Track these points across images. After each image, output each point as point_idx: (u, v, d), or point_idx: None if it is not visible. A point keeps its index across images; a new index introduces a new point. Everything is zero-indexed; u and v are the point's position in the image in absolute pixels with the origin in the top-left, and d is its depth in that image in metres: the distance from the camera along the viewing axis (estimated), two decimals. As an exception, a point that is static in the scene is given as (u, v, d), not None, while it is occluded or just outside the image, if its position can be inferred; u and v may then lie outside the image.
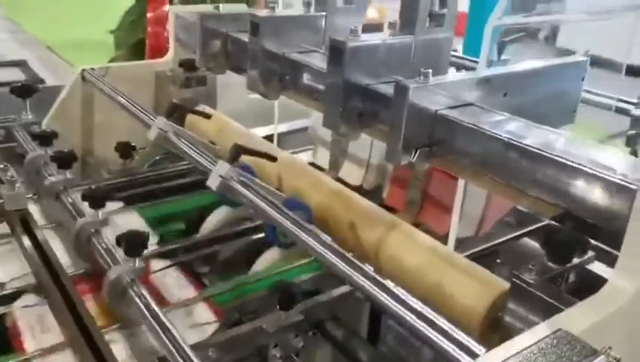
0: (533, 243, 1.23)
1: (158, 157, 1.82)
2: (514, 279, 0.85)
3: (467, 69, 1.60)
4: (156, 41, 3.57)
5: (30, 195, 1.37)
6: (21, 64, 5.14)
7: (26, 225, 1.18)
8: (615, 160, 0.88)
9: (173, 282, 1.16)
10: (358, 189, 1.71)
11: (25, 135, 1.56)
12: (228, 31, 1.61)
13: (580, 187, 0.87)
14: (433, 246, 1.08)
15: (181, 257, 1.26)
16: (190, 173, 1.65)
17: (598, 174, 0.83)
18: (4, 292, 1.09)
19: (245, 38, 1.48)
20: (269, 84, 1.44)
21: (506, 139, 0.94)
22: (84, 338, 0.91)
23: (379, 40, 1.19)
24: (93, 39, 5.55)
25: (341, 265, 0.90)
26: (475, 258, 1.13)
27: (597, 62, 1.34)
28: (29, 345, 0.97)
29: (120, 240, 0.98)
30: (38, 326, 1.01)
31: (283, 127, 2.09)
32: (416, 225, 1.47)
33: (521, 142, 0.93)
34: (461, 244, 1.35)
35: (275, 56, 1.41)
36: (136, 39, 4.30)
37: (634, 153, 1.62)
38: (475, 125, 0.98)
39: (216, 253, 1.33)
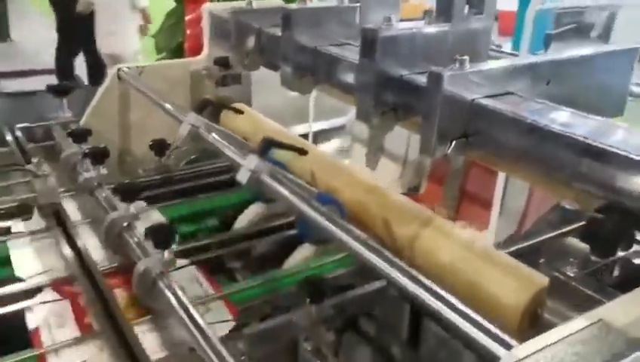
0: (577, 242, 1.18)
1: (193, 157, 1.82)
2: (555, 273, 0.81)
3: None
4: (195, 43, 3.59)
5: (67, 193, 1.38)
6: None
7: (59, 218, 1.19)
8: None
9: (190, 279, 1.15)
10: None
11: (62, 133, 1.58)
12: (261, 26, 1.59)
13: (629, 178, 0.81)
14: (470, 241, 1.04)
15: (214, 253, 1.25)
16: (225, 172, 1.65)
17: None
18: (23, 288, 1.09)
19: (278, 32, 1.47)
20: (301, 78, 1.41)
21: (550, 129, 0.89)
22: (114, 329, 0.90)
23: (413, 29, 1.15)
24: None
25: (373, 258, 0.87)
26: (516, 256, 1.08)
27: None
28: (46, 339, 0.97)
29: (148, 232, 0.97)
30: (54, 322, 1.01)
31: (319, 125, 2.07)
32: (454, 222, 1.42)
33: (566, 132, 0.87)
34: (501, 242, 1.29)
35: (307, 49, 1.39)
36: (176, 42, 4.35)
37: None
38: (515, 114, 0.94)
39: (250, 249, 1.31)
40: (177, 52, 4.35)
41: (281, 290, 1.10)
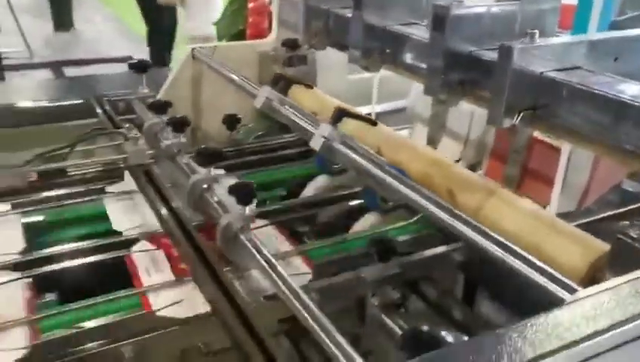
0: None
1: (260, 133, 1.91)
2: (618, 236, 0.84)
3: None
4: (256, 30, 3.70)
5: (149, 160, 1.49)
6: (127, 59, 5.52)
7: (150, 177, 1.30)
8: None
9: (269, 237, 1.24)
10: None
11: (142, 106, 1.69)
12: (330, 8, 1.66)
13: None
14: (532, 210, 1.08)
15: (282, 217, 1.33)
16: (291, 146, 1.73)
17: None
18: (122, 238, 1.22)
19: (346, 14, 1.53)
20: (370, 57, 1.48)
21: (620, 99, 0.92)
22: (208, 273, 0.99)
23: (483, 7, 1.19)
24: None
25: (445, 216, 0.92)
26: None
27: None
28: (145, 281, 1.10)
29: (232, 189, 1.05)
30: (152, 268, 1.13)
31: (381, 107, 2.12)
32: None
33: (636, 102, 0.91)
34: (561, 217, 1.32)
35: (376, 29, 1.45)
36: (236, 30, 4.46)
37: None
38: (584, 85, 0.97)
39: (316, 215, 1.39)
40: (237, 39, 4.46)
41: (350, 251, 1.17)
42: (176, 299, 1.04)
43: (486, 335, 0.61)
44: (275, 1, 1.98)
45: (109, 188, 1.38)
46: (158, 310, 1.02)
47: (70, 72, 5.61)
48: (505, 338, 0.59)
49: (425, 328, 0.95)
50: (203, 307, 1.00)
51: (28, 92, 2.20)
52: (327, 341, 0.78)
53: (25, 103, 1.79)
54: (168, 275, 1.11)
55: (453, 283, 1.20)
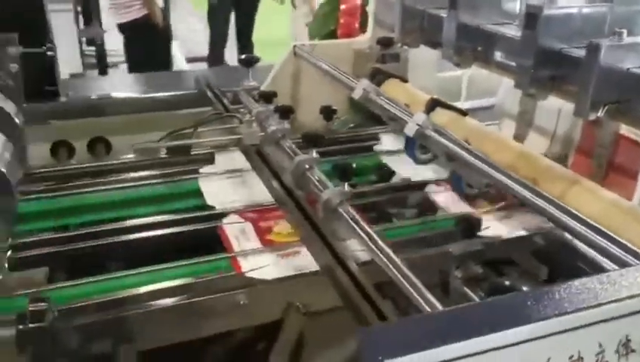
0: None
1: (352, 125, 2.05)
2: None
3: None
4: (348, 30, 3.85)
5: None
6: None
7: (262, 156, 1.46)
8: None
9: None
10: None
11: (247, 97, 1.86)
12: (425, 8, 1.77)
13: None
14: (615, 199, 1.15)
15: (375, 198, 1.46)
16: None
17: None
18: (216, 211, 1.41)
19: (440, 13, 1.64)
20: (462, 54, 1.57)
21: None
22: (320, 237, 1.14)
23: (574, 8, 1.27)
24: (273, 38, 6.06)
25: (529, 195, 1.01)
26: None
27: None
28: (235, 248, 1.26)
29: (333, 166, 1.19)
30: (242, 237, 1.30)
31: (469, 104, 2.20)
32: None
33: None
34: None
35: (470, 28, 1.54)
36: (327, 30, 4.63)
37: None
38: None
39: (406, 198, 1.50)
40: (328, 39, 4.63)
41: (437, 230, 1.27)
42: (264, 264, 1.19)
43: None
44: (372, 2, 2.10)
45: (202, 170, 1.58)
46: (247, 271, 1.17)
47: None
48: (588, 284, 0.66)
49: (507, 282, 1.04)
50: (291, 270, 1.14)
51: (144, 83, 2.46)
52: (423, 303, 0.89)
53: (150, 93, 2.04)
54: (256, 244, 1.26)
55: (534, 268, 1.28)
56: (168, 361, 1.14)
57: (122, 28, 4.36)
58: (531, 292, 0.76)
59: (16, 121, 1.35)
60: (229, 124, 1.56)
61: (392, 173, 1.66)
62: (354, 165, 1.59)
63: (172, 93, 2.03)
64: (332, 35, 4.51)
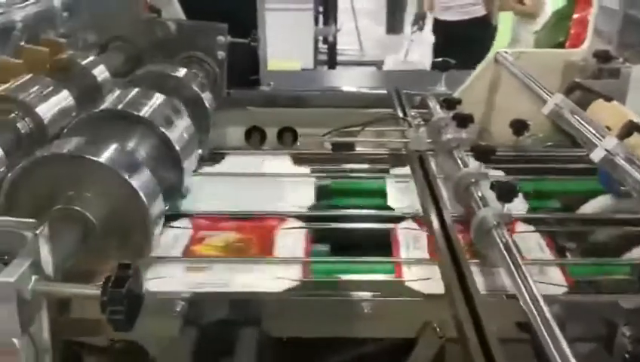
0: None
1: (549, 144, 1.85)
2: None
3: None
4: (577, 42, 3.48)
5: (428, 152, 1.59)
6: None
7: (422, 164, 1.41)
8: None
9: (533, 245, 1.21)
10: None
11: (434, 102, 1.79)
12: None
13: None
14: None
15: (550, 227, 1.30)
16: (579, 161, 1.63)
17: None
18: (394, 214, 1.38)
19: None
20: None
21: None
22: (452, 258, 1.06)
23: None
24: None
25: None
26: None
27: None
28: (403, 254, 1.22)
29: (494, 184, 1.08)
30: (412, 244, 1.24)
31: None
32: None
33: None
34: None
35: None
36: (556, 41, 4.27)
37: None
38: None
39: (588, 234, 1.31)
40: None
41: (613, 274, 1.09)
42: (425, 277, 1.12)
43: None
44: (594, 9, 1.87)
45: (392, 171, 1.57)
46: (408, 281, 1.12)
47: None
48: None
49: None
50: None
51: (352, 79, 2.55)
52: (557, 356, 0.76)
53: (345, 88, 2.13)
54: (424, 254, 1.21)
55: None
56: (296, 353, 1.15)
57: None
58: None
59: (207, 105, 1.47)
60: (400, 127, 1.51)
61: (583, 201, 1.46)
62: (534, 190, 1.47)
63: (363, 92, 2.05)
64: (561, 46, 4.14)
